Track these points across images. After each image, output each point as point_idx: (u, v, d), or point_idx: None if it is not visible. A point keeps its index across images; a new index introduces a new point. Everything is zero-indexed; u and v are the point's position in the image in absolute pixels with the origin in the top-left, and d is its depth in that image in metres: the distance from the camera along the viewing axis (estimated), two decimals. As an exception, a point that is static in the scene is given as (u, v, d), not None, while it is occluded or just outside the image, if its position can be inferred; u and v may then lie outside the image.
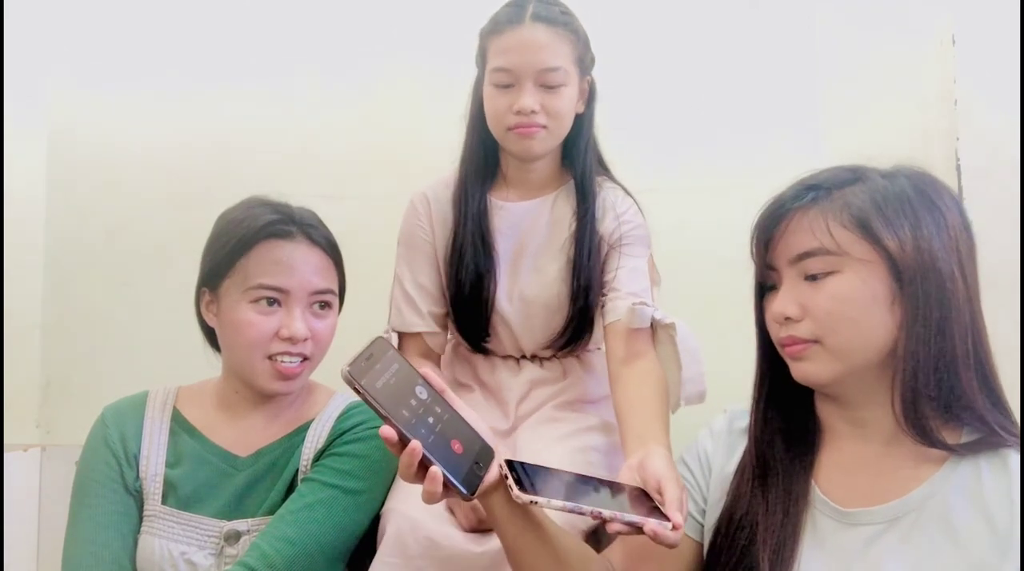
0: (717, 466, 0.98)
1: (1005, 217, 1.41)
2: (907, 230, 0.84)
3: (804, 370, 0.88)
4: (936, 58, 1.51)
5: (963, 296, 0.85)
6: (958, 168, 1.44)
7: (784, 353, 0.90)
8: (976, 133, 1.44)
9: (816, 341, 0.86)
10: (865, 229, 0.85)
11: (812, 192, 0.88)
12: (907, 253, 0.83)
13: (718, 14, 1.81)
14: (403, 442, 0.78)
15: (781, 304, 0.88)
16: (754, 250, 0.93)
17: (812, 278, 0.87)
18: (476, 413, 0.88)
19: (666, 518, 0.83)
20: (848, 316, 0.85)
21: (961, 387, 0.84)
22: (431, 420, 0.81)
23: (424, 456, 0.77)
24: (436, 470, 0.77)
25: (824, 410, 0.94)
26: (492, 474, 0.83)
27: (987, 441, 0.84)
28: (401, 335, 1.32)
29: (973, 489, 0.82)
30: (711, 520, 0.95)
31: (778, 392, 0.94)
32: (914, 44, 1.57)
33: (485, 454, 0.83)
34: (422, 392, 0.82)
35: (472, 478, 0.80)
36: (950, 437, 0.85)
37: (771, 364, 0.94)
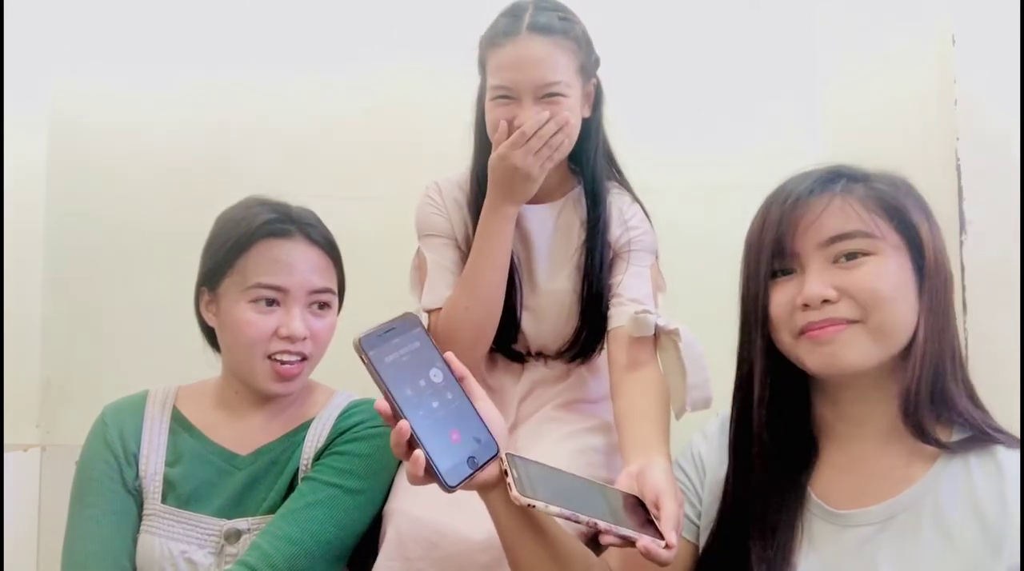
0: (711, 468, 0.98)
1: (1005, 217, 1.40)
2: (928, 227, 0.88)
3: (835, 354, 0.85)
4: (936, 58, 1.50)
5: (952, 299, 0.88)
6: (958, 168, 1.44)
7: (809, 339, 0.87)
8: (976, 133, 1.44)
9: (858, 321, 0.85)
10: (900, 219, 0.87)
11: (844, 178, 0.88)
12: (930, 248, 0.87)
13: (718, 13, 1.81)
14: (397, 419, 0.77)
15: (817, 286, 0.85)
16: (768, 236, 0.89)
17: (849, 258, 0.86)
18: (494, 409, 0.86)
19: (660, 534, 0.82)
20: (891, 296, 0.84)
21: (949, 386, 0.86)
22: (435, 404, 0.80)
23: (413, 437, 0.77)
24: (419, 453, 0.77)
25: (822, 410, 0.94)
26: (493, 471, 0.82)
27: (977, 439, 0.85)
28: (432, 313, 1.27)
29: (964, 487, 0.83)
30: (706, 522, 0.96)
31: (775, 393, 0.93)
32: (914, 44, 1.57)
33: (485, 450, 0.81)
34: (437, 375, 0.81)
35: (459, 471, 0.78)
36: (942, 435, 0.86)
37: (772, 361, 0.92)
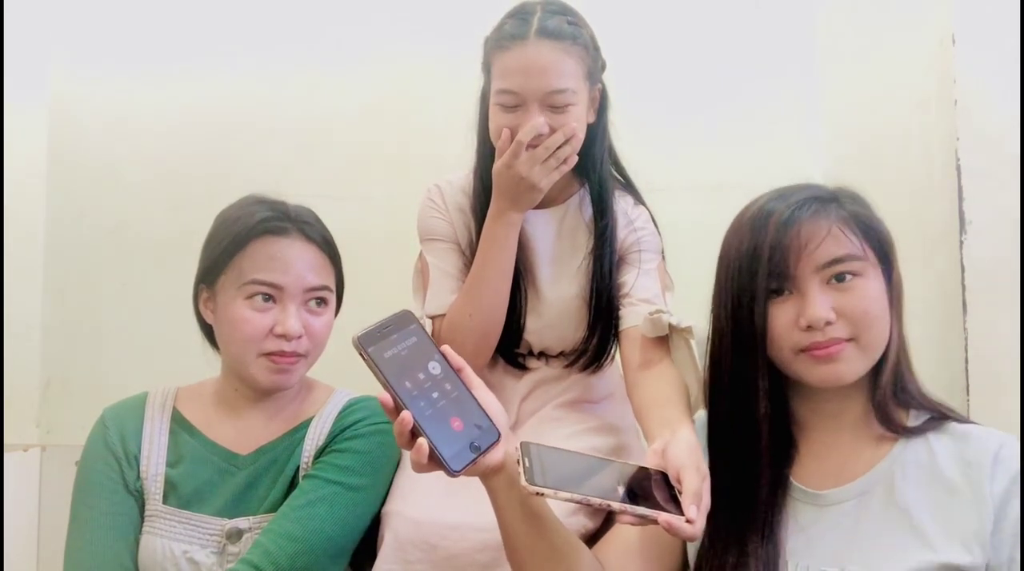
0: None
1: (1005, 217, 1.40)
2: (892, 242, 0.96)
3: (837, 371, 0.92)
4: (936, 58, 1.50)
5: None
6: (958, 168, 1.44)
7: (812, 357, 0.92)
8: (976, 133, 1.43)
9: (851, 340, 0.91)
10: (877, 238, 0.94)
11: (835, 202, 0.94)
12: (895, 261, 0.95)
13: (719, 13, 1.81)
14: (399, 411, 0.79)
15: (821, 309, 0.90)
16: (764, 258, 0.92)
17: (839, 279, 0.91)
18: (492, 396, 0.87)
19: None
20: (877, 314, 0.92)
21: (907, 378, 0.96)
22: (435, 395, 0.82)
23: (416, 427, 0.79)
24: (423, 441, 0.79)
25: (798, 407, 0.99)
26: (495, 456, 0.83)
27: (933, 420, 0.95)
28: (435, 320, 1.27)
29: (926, 459, 0.92)
30: None
31: (761, 397, 0.95)
32: (914, 44, 1.57)
33: (487, 436, 0.83)
34: (435, 368, 0.84)
35: (463, 456, 0.81)
36: (904, 420, 0.95)
37: (765, 372, 0.94)
